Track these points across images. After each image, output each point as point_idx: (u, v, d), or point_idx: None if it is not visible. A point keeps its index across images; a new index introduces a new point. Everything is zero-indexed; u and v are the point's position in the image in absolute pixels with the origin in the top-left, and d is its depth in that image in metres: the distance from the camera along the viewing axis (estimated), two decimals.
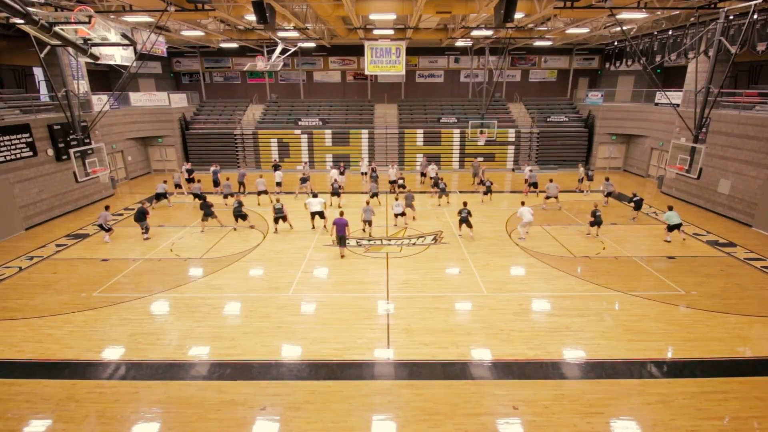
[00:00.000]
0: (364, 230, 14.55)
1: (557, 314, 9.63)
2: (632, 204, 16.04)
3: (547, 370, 7.79)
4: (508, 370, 7.78)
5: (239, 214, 14.80)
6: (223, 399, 7.04)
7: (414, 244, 13.89)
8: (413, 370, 7.80)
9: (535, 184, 19.69)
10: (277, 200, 14.95)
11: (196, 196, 17.69)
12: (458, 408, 6.83)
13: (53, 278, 11.49)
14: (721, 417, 6.63)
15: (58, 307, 10.01)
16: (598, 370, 7.78)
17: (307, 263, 12.39)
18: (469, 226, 14.09)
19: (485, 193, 18.55)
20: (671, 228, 13.76)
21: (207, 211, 14.81)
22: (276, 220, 14.63)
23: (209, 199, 15.93)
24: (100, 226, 14.01)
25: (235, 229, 15.06)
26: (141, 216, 14.27)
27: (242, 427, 6.47)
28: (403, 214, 15.33)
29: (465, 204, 14.21)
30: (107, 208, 14.63)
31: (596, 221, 14.05)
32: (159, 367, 7.89)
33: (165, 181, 18.23)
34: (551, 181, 17.81)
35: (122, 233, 14.99)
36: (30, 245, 14.03)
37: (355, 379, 7.58)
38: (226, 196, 17.88)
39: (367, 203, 14.48)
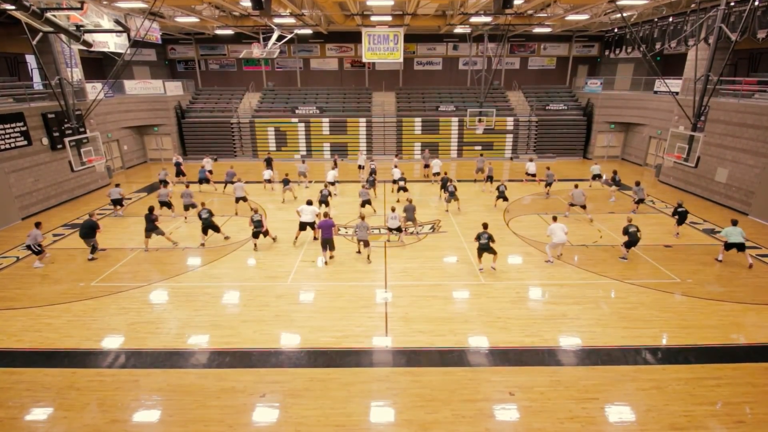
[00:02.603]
0: (359, 251, 12.16)
1: (554, 302, 9.71)
2: (675, 216, 13.18)
3: (544, 357, 7.88)
4: (504, 357, 7.86)
5: (209, 225, 12.68)
6: (223, 386, 7.11)
7: (412, 233, 13.90)
8: (411, 358, 7.88)
9: (549, 184, 17.47)
10: (256, 211, 12.64)
11: (163, 204, 14.99)
12: (455, 394, 6.91)
13: (51, 268, 11.47)
14: (713, 402, 6.74)
15: (56, 296, 10.02)
16: (593, 356, 7.87)
17: (305, 253, 12.40)
18: (494, 252, 10.83)
19: (498, 198, 15.89)
20: (730, 246, 11.14)
21: (149, 225, 12.15)
22: (255, 235, 12.40)
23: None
24: (29, 247, 11.25)
25: (202, 245, 12.86)
26: (90, 231, 11.63)
27: (242, 414, 6.54)
28: (399, 229, 12.86)
29: (485, 226, 11.01)
30: (38, 225, 11.53)
31: (632, 241, 11.39)
32: (159, 356, 7.95)
33: (117, 185, 16.09)
34: (576, 186, 15.10)
35: (117, 222, 14.96)
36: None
37: (353, 366, 7.65)
38: (186, 208, 14.82)
39: (362, 218, 11.83)
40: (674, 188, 19.07)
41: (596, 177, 18.58)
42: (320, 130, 26.23)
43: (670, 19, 19.09)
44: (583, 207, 14.90)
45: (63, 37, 14.85)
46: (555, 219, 11.90)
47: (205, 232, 12.85)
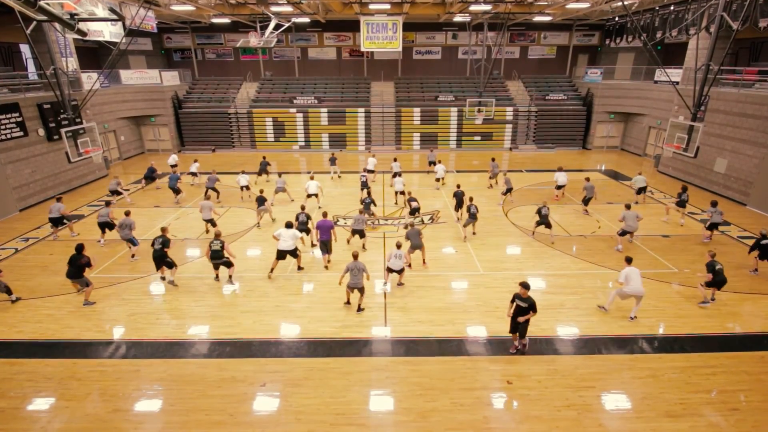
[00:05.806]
0: (348, 302, 9.25)
1: (552, 292, 9.77)
2: (756, 250, 10.25)
3: (541, 346, 7.94)
4: (503, 346, 7.92)
5: (162, 260, 9.89)
6: (224, 376, 7.17)
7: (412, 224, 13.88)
8: (410, 347, 7.94)
9: (587, 200, 14.51)
10: (218, 236, 10.03)
11: (104, 225, 12.26)
12: (454, 383, 6.99)
13: (50, 259, 11.47)
14: (709, 390, 6.82)
15: (55, 288, 10.04)
16: (590, 346, 7.94)
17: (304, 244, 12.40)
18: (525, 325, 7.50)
19: (540, 224, 12.28)
20: None
21: (73, 270, 8.93)
22: (215, 266, 10.18)
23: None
24: None
25: (163, 278, 10.37)
26: None
27: (243, 403, 6.61)
28: (402, 270, 9.72)
29: (526, 288, 7.25)
30: None
31: (719, 279, 8.87)
32: (159, 346, 7.99)
33: (59, 198, 12.96)
34: (628, 207, 11.97)
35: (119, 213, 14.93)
36: (25, 226, 13.96)
37: (353, 356, 7.72)
38: (128, 241, 11.48)
39: (355, 257, 8.92)
40: (673, 178, 19.08)
41: (642, 190, 15.48)
42: (318, 120, 26.07)
43: (672, 8, 18.90)
44: (631, 233, 12.01)
45: (57, 26, 14.65)
46: (629, 261, 8.61)
47: (156, 267, 10.13)
